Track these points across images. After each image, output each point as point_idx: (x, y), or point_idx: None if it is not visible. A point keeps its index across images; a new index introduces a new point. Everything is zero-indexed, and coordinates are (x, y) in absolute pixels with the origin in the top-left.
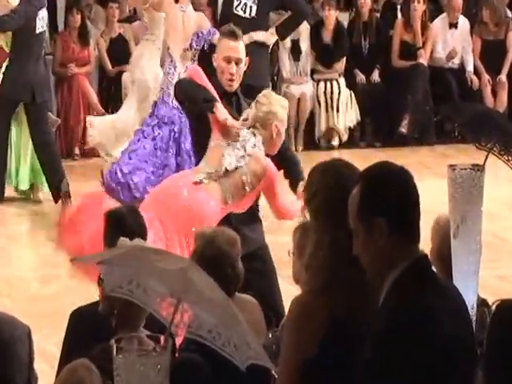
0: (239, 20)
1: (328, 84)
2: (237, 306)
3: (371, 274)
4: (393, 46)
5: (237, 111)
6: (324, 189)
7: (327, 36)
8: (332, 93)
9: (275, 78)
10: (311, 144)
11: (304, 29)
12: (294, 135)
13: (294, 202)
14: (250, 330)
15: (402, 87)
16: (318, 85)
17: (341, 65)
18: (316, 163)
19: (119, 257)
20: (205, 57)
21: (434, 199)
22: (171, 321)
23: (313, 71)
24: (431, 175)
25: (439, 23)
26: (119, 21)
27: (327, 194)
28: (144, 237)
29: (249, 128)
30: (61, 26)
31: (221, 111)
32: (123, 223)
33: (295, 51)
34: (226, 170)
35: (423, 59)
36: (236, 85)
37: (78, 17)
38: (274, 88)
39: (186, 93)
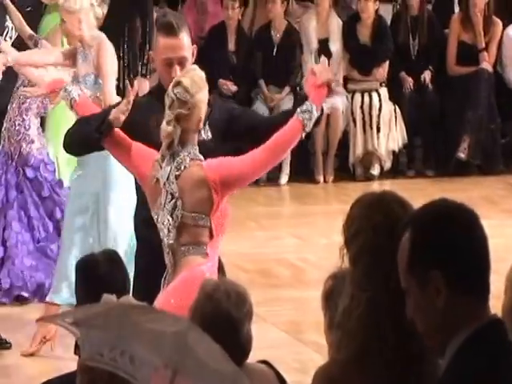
0: None
1: (366, 96)
2: (249, 380)
3: (429, 342)
4: (448, 48)
5: None
6: (369, 229)
7: (364, 34)
8: (371, 107)
9: (297, 88)
10: (344, 173)
11: (335, 25)
12: (323, 161)
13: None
14: None
15: (460, 100)
16: (353, 97)
17: (382, 71)
18: (359, 195)
19: (98, 316)
20: None
21: (502, 242)
22: None
23: (346, 80)
24: (498, 212)
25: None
26: None
27: (372, 236)
28: (126, 292)
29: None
30: None
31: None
32: (97, 274)
33: (323, 54)
34: None
35: (487, 64)
36: None
37: None
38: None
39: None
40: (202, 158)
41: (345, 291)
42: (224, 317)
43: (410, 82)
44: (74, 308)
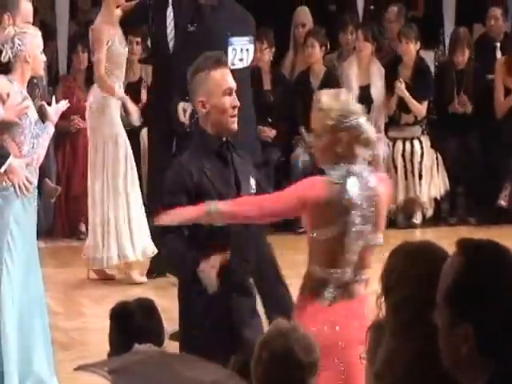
0: None
1: (407, 143)
2: None
3: (446, 363)
4: (496, 93)
5: (232, 166)
6: (412, 280)
7: (405, 73)
8: (412, 154)
9: None
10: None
11: (376, 71)
12: None
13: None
14: None
15: (503, 147)
16: (394, 144)
17: (421, 108)
18: (399, 244)
19: (136, 365)
20: None
21: None
22: None
23: (387, 127)
24: None
25: None
26: (141, 61)
27: (417, 287)
28: (160, 342)
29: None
30: (63, 70)
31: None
32: (131, 323)
33: (364, 100)
34: None
35: None
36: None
37: (85, 56)
38: None
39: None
40: None
41: (384, 341)
42: (293, 359)
43: (465, 100)
44: (111, 357)
